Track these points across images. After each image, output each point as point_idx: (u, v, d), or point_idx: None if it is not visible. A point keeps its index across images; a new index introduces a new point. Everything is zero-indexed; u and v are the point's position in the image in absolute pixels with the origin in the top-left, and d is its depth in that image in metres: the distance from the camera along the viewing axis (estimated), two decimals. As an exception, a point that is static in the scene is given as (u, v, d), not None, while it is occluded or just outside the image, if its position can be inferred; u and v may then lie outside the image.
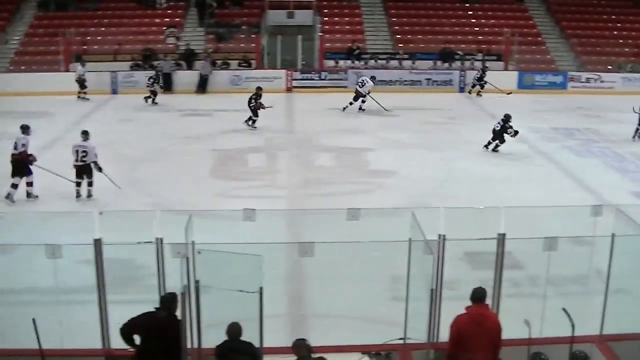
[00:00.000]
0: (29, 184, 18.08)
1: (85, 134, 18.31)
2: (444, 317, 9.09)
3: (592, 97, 34.27)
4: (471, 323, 8.57)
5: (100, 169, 18.16)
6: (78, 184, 18.09)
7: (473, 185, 19.67)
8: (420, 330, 9.06)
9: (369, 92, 30.01)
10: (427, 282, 8.71)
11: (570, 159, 23.29)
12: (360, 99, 30.13)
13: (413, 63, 36.46)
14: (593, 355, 9.55)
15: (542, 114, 29.88)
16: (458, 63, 36.98)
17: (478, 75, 34.46)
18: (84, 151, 17.90)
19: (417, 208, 9.78)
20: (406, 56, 36.93)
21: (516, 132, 23.51)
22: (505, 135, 23.56)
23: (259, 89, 26.92)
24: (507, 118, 23.58)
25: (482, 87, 34.34)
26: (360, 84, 30.47)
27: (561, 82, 36.17)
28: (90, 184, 18.18)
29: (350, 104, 30.14)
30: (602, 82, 36.11)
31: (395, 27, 39.29)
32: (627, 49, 38.69)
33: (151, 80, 31.48)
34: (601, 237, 9.89)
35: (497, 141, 23.66)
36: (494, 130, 23.71)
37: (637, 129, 26.08)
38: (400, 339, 9.53)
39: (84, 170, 18.00)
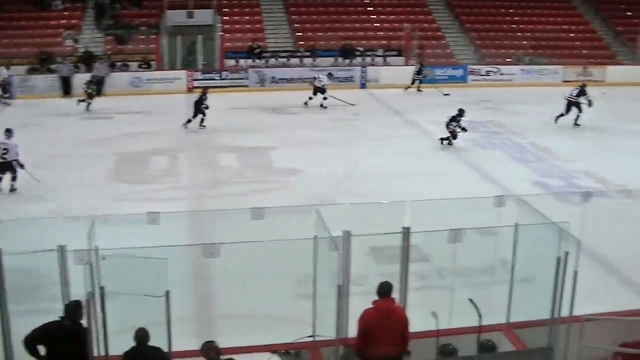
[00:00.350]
0: None
1: (8, 132, 19.08)
2: (351, 312, 9.11)
3: (492, 89, 34.96)
4: (378, 317, 8.63)
5: (22, 166, 18.77)
6: None
7: (379, 181, 19.80)
8: (329, 327, 9.06)
9: (323, 87, 30.61)
10: (334, 279, 8.72)
11: (473, 151, 23.67)
12: (321, 95, 30.53)
13: (314, 60, 36.58)
14: (500, 343, 9.72)
15: (444, 108, 30.13)
16: (359, 59, 37.21)
17: (417, 70, 34.70)
18: (4, 149, 18.64)
19: (322, 205, 9.80)
20: (307, 53, 37.01)
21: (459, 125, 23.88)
22: (454, 128, 23.84)
23: (205, 89, 26.91)
24: (460, 112, 23.90)
25: (412, 82, 34.63)
26: (318, 80, 30.89)
27: (461, 75, 36.80)
28: (13, 179, 18.80)
29: (310, 98, 30.58)
30: (501, 74, 36.91)
31: (296, 25, 39.34)
32: (525, 42, 39.61)
33: (89, 84, 30.79)
34: (505, 227, 10.06)
35: (450, 135, 23.97)
36: (447, 124, 23.96)
37: (562, 114, 27.32)
38: (310, 336, 9.54)
39: (6, 166, 18.65)
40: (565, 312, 9.58)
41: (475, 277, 13.28)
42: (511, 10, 42.10)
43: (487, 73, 36.89)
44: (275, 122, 28.14)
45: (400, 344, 8.76)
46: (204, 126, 26.41)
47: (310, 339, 9.52)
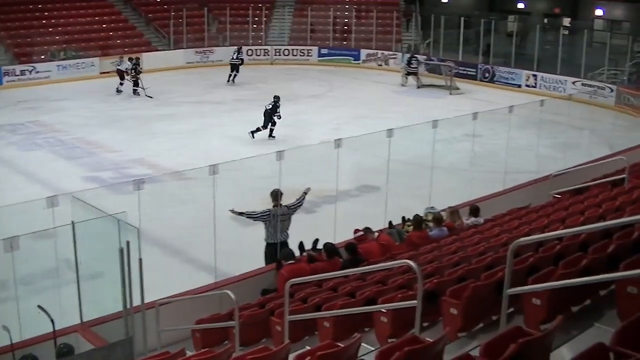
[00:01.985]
0: None
1: None
2: None
3: (29, 89, 33.94)
4: None
5: None
6: None
7: None
8: None
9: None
10: None
11: (17, 155, 22.96)
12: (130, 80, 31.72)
13: None
14: (79, 344, 9.60)
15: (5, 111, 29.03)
16: None
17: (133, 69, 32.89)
18: None
19: None
20: None
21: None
22: (274, 117, 23.87)
23: None
24: (277, 99, 23.88)
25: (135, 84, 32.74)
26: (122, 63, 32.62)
27: (-4, 77, 35.37)
28: None
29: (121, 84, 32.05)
30: (37, 72, 35.95)
31: None
32: (57, 37, 38.97)
33: None
34: (62, 227, 9.89)
35: (270, 125, 23.88)
36: (265, 112, 23.77)
37: (230, 75, 34.64)
38: None
39: None
40: (137, 301, 9.69)
41: (40, 282, 12.98)
42: (40, 6, 41.07)
43: (22, 72, 35.75)
44: None
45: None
46: None
47: None
